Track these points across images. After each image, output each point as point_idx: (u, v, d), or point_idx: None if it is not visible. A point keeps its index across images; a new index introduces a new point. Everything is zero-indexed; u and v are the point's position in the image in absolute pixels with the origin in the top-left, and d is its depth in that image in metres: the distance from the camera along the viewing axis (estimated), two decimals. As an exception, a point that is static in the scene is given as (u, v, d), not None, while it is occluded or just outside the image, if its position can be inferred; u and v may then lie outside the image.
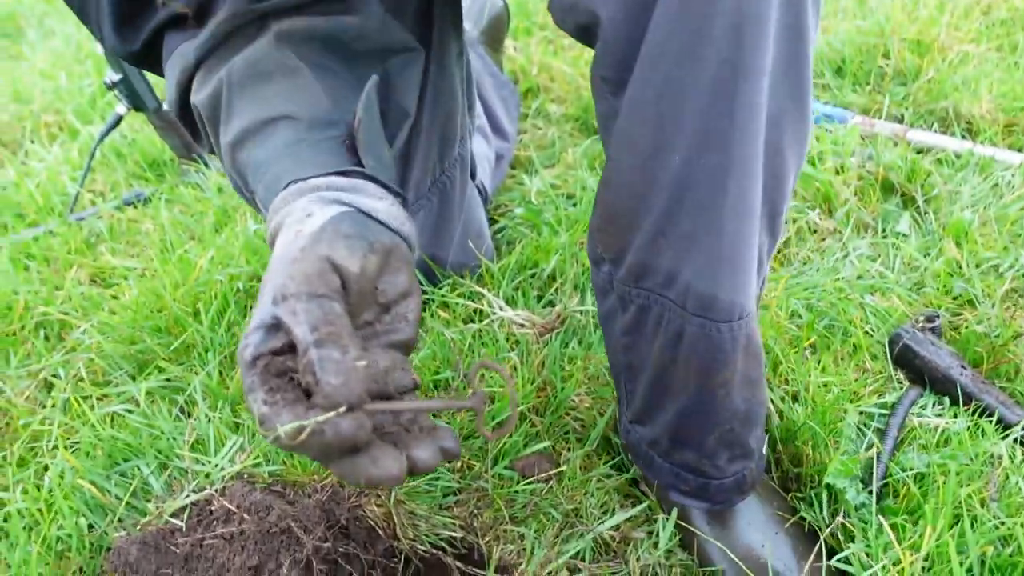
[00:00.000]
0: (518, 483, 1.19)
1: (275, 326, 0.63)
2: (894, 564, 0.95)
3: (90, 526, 1.11)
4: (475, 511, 1.19)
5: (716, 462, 1.03)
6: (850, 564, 1.02)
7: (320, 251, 0.67)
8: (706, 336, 0.90)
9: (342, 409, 0.57)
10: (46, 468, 1.16)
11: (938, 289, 1.44)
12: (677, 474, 1.07)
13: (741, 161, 0.79)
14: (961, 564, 0.94)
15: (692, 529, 1.09)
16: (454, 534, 1.17)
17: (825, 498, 1.10)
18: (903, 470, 1.11)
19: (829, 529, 1.06)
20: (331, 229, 0.69)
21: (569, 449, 1.24)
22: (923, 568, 0.97)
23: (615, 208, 0.91)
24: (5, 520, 1.11)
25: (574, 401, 1.30)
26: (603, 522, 1.12)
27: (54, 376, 1.34)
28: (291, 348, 0.63)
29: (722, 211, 0.82)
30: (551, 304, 1.49)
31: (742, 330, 0.91)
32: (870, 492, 1.09)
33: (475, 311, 1.43)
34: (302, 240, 0.68)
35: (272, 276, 0.66)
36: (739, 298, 0.88)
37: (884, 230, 1.65)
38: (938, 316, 1.33)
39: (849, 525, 1.05)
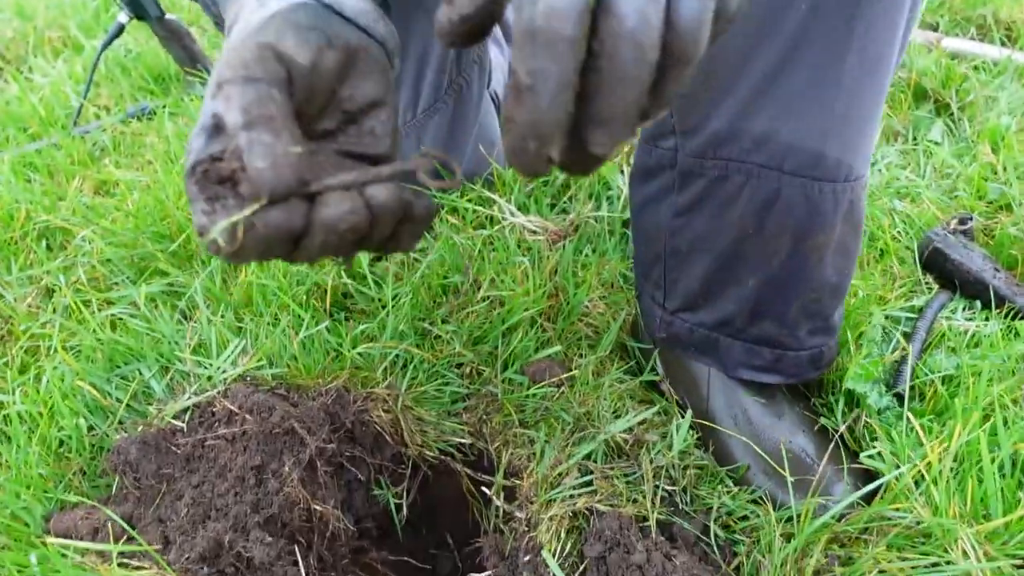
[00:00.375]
0: (528, 388, 1.15)
1: (216, 127, 0.55)
2: (922, 460, 0.91)
3: (90, 428, 1.09)
4: (484, 417, 1.15)
5: (796, 332, 0.99)
6: (879, 460, 0.97)
7: (262, 38, 0.57)
8: (806, 197, 0.85)
9: (263, 201, 0.50)
10: (46, 372, 1.14)
11: (971, 194, 1.38)
12: (750, 349, 1.03)
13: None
14: (992, 461, 0.89)
15: (714, 427, 1.05)
16: (463, 440, 1.14)
17: (843, 403, 1.06)
18: (931, 372, 1.06)
19: (845, 425, 1.02)
20: (281, 18, 0.60)
21: (581, 355, 1.20)
22: (951, 469, 0.92)
23: (712, 68, 0.85)
24: (6, 422, 1.09)
25: (587, 307, 1.25)
26: (616, 425, 1.08)
27: (55, 283, 1.31)
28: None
29: (844, 56, 0.76)
30: (564, 212, 1.44)
31: (846, 193, 0.86)
32: (894, 395, 1.04)
33: (486, 217, 1.38)
34: (247, 29, 0.59)
35: (214, 70, 0.57)
36: (847, 157, 0.83)
37: (915, 137, 1.57)
38: (971, 218, 1.26)
39: (874, 425, 1.00)
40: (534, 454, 1.08)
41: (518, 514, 1.04)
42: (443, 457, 1.16)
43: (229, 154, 0.52)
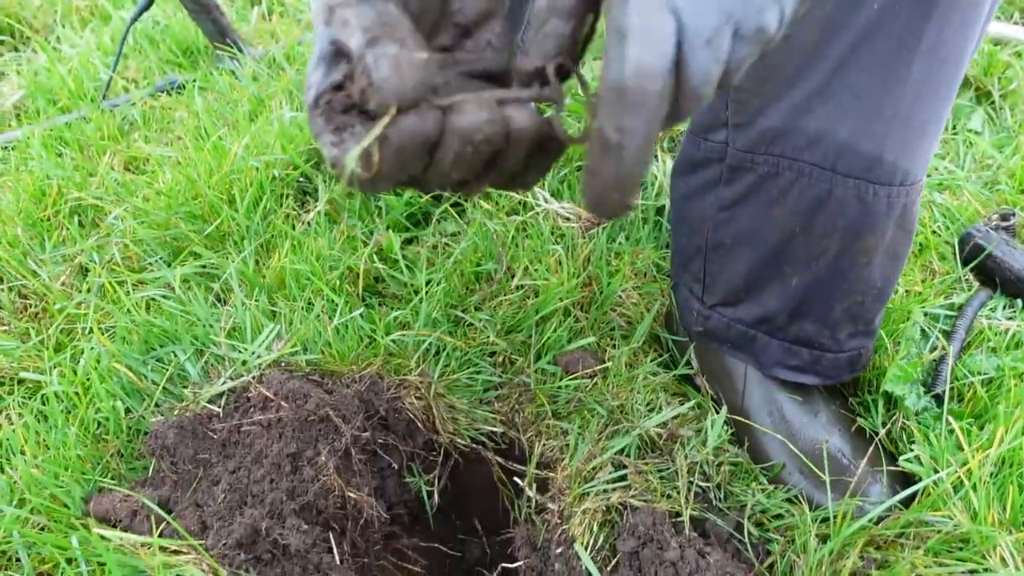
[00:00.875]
0: (561, 379, 1.15)
1: (335, 54, 0.53)
2: (962, 466, 0.90)
3: (127, 410, 1.09)
4: (516, 406, 1.15)
5: (837, 334, 0.98)
6: (918, 464, 0.97)
7: None
8: (859, 199, 0.84)
9: (393, 111, 0.48)
10: (82, 352, 1.14)
11: (1013, 187, 1.35)
12: (788, 349, 1.02)
13: (950, 3, 0.71)
14: (1035, 469, 0.89)
15: (749, 423, 1.04)
16: (495, 429, 1.14)
17: (881, 404, 1.05)
18: (971, 374, 1.05)
19: (885, 429, 1.01)
20: None
21: (614, 346, 1.20)
22: (991, 474, 0.92)
23: (775, 62, 0.84)
24: (43, 402, 1.10)
25: (620, 297, 1.24)
26: (650, 419, 1.08)
27: (89, 261, 1.32)
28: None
29: (911, 57, 0.75)
30: (598, 198, 1.42)
31: (901, 198, 0.85)
32: (933, 396, 1.03)
33: (520, 203, 1.37)
34: None
35: None
36: (905, 161, 0.82)
37: (955, 126, 1.55)
38: (1013, 214, 1.24)
39: (912, 427, 0.99)
40: (567, 446, 1.08)
41: (551, 506, 1.04)
42: (475, 446, 1.16)
43: (357, 76, 0.50)
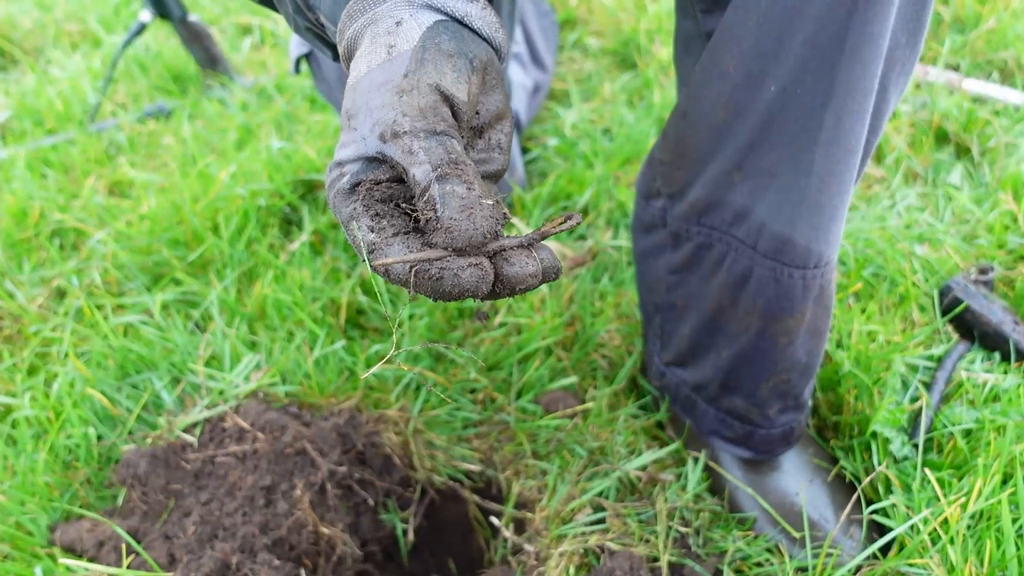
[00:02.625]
0: (541, 418, 1.14)
1: (378, 160, 0.55)
2: (936, 518, 0.90)
3: (99, 437, 1.08)
4: (495, 444, 1.14)
5: (766, 412, 0.98)
6: (889, 517, 0.96)
7: (429, 79, 0.56)
8: (775, 281, 0.85)
9: (448, 252, 0.51)
10: (56, 377, 1.12)
11: (991, 242, 1.37)
12: (722, 420, 1.02)
13: (846, 92, 0.73)
14: (1013, 522, 0.88)
15: (723, 474, 1.04)
16: (473, 467, 1.13)
17: (862, 449, 1.05)
18: (950, 424, 1.05)
19: (869, 479, 1.00)
20: (432, 48, 0.58)
21: (596, 387, 1.19)
22: (968, 527, 0.92)
23: (688, 138, 0.86)
24: (13, 426, 1.08)
25: (603, 338, 1.24)
26: (630, 461, 1.07)
27: (67, 284, 1.30)
28: (394, 182, 0.56)
29: (814, 146, 0.76)
30: (582, 238, 1.43)
31: (816, 279, 0.86)
32: (914, 445, 1.03)
33: (504, 241, 1.37)
34: (403, 63, 0.57)
35: (374, 108, 0.56)
36: (818, 245, 0.83)
37: (935, 180, 1.57)
38: (992, 268, 1.26)
39: (891, 476, 0.99)
40: (546, 486, 1.07)
41: (528, 547, 1.03)
42: (452, 483, 1.15)
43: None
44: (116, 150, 1.72)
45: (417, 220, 0.53)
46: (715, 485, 1.06)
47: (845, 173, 0.80)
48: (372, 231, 0.53)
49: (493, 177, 0.63)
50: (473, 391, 1.18)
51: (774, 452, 1.02)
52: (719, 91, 0.79)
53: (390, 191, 0.55)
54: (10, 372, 1.16)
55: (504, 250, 0.53)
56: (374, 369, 0.59)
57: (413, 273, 0.50)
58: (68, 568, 0.90)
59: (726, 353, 0.95)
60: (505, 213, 0.55)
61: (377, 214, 0.54)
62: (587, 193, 1.46)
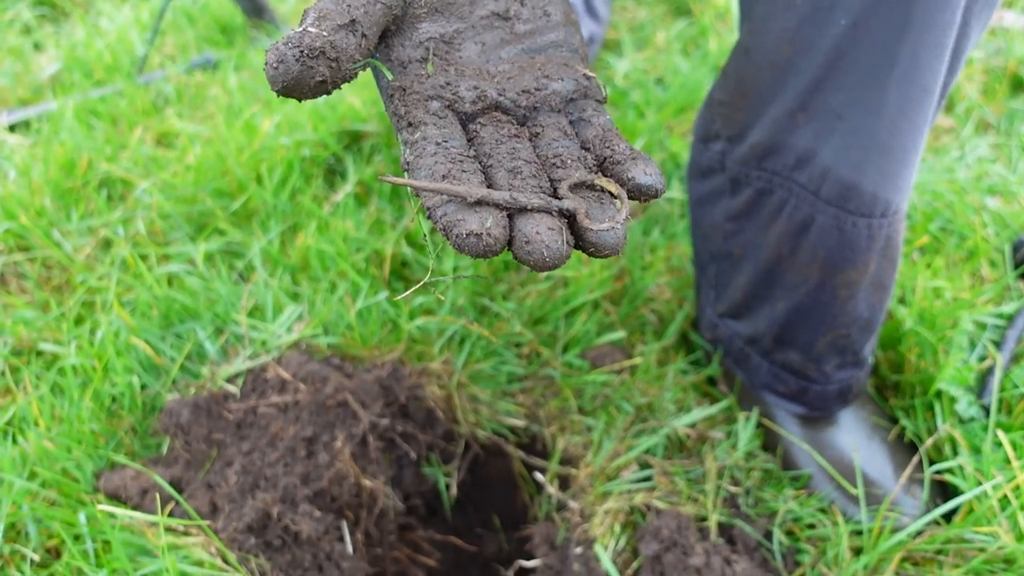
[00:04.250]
0: (588, 373, 1.11)
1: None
2: (1009, 481, 0.85)
3: (143, 386, 1.07)
4: (540, 399, 1.12)
5: (823, 367, 0.93)
6: (955, 475, 0.92)
7: None
8: (838, 230, 0.80)
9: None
10: (100, 326, 1.12)
11: (1070, 195, 1.29)
12: (776, 375, 0.98)
13: (923, 25, 0.67)
14: (1089, 489, 0.83)
15: (777, 430, 1.00)
16: (517, 422, 1.11)
17: (924, 410, 1.00)
18: (1022, 385, 0.99)
19: (933, 440, 0.96)
20: None
21: (644, 342, 1.16)
22: (1039, 491, 0.87)
23: (749, 77, 0.81)
24: (60, 374, 1.09)
25: (652, 292, 1.20)
26: (679, 418, 1.04)
27: (113, 234, 1.30)
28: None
29: (886, 84, 0.71)
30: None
31: (883, 229, 0.80)
32: (982, 406, 0.98)
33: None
34: None
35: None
36: (886, 192, 0.78)
37: (1008, 130, 1.48)
38: (1071, 222, 1.18)
39: (957, 437, 0.94)
40: (591, 442, 1.05)
41: (572, 504, 1.00)
42: (496, 438, 1.13)
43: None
44: (163, 101, 1.71)
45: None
46: (768, 442, 1.02)
47: (919, 115, 0.74)
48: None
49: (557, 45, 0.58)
50: (518, 345, 1.15)
51: (829, 409, 0.97)
52: (784, 25, 0.74)
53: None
54: (57, 321, 1.17)
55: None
56: (408, 293, 0.56)
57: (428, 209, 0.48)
58: (110, 515, 0.91)
59: (782, 305, 0.90)
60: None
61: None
62: (639, 143, 1.41)
